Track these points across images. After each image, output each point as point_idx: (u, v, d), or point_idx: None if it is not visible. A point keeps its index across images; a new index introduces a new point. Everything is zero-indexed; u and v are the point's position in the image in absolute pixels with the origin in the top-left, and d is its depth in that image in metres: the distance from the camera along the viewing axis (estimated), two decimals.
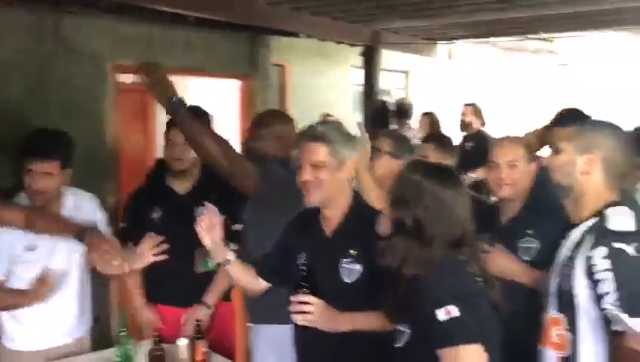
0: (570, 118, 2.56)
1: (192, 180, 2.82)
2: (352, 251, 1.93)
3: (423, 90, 7.53)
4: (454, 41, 5.95)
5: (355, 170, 2.06)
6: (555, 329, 1.71)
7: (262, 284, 2.16)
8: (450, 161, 2.89)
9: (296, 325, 1.95)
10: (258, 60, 5.27)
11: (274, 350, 2.45)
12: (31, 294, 2.37)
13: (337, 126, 2.06)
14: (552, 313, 1.73)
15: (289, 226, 2.16)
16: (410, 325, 1.60)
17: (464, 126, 5.44)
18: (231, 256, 2.07)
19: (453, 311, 1.47)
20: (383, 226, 1.66)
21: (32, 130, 2.47)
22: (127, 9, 3.99)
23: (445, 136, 3.17)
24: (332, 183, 1.96)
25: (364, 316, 1.89)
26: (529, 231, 2.13)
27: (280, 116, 2.91)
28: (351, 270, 1.93)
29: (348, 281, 1.93)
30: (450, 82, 7.74)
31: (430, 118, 5.62)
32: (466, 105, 5.52)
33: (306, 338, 1.98)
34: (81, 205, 2.61)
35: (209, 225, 2.02)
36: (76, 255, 2.56)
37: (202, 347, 2.42)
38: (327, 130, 1.99)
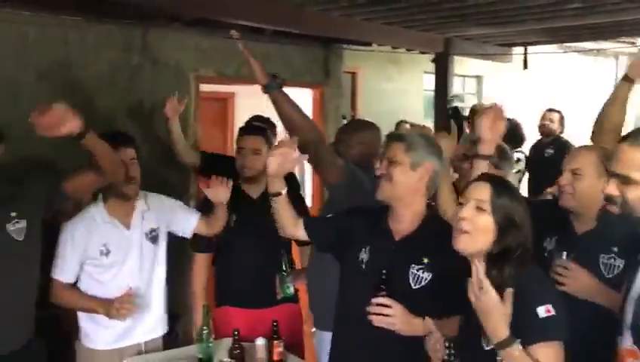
0: None
1: (264, 185, 2.94)
2: (424, 259, 2.00)
3: (497, 96, 7.43)
4: (529, 46, 5.84)
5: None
6: (631, 360, 1.64)
7: (296, 231, 2.25)
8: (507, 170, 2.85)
9: (353, 319, 2.02)
10: (330, 69, 5.39)
11: None
12: (112, 310, 2.48)
13: (424, 135, 2.18)
14: (628, 344, 1.64)
15: (357, 214, 2.21)
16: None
17: (546, 132, 5.32)
18: (284, 190, 2.17)
19: (552, 309, 1.56)
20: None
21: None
22: (209, 23, 4.21)
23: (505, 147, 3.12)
24: (403, 181, 2.03)
25: (442, 323, 1.93)
26: (614, 248, 2.03)
27: (366, 124, 2.99)
28: (420, 277, 2.00)
29: (414, 287, 2.00)
30: (526, 87, 7.60)
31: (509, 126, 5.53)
32: (550, 110, 5.39)
33: (371, 342, 2.01)
34: (162, 205, 2.78)
35: (282, 152, 2.08)
36: (151, 255, 2.72)
37: (279, 347, 2.54)
38: (409, 133, 2.14)
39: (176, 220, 2.81)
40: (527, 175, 5.52)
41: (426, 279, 1.99)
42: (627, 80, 2.51)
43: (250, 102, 6.24)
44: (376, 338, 1.97)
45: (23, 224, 2.34)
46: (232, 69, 4.65)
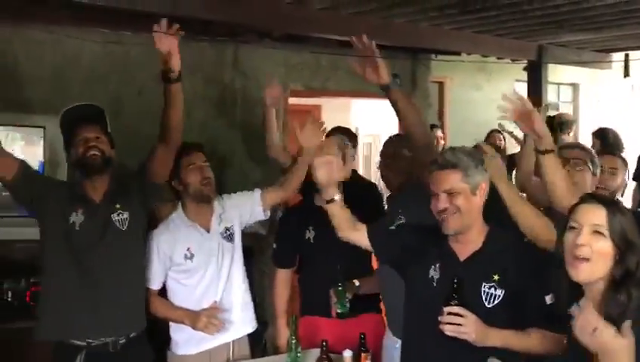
0: None
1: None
2: (495, 276, 1.96)
3: (595, 104, 7.09)
4: (628, 52, 5.52)
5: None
6: None
7: (352, 235, 2.26)
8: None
9: (425, 334, 1.99)
10: (417, 79, 5.34)
11: None
12: (199, 323, 2.59)
13: (468, 151, 2.08)
14: None
15: (421, 231, 2.19)
16: None
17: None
18: (338, 196, 2.20)
19: None
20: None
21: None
22: (297, 38, 4.30)
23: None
24: (469, 209, 1.99)
25: (519, 334, 1.90)
26: None
27: None
28: (492, 294, 1.96)
29: (488, 306, 1.95)
30: (627, 95, 7.20)
31: (601, 136, 5.24)
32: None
33: (443, 354, 1.98)
34: (229, 201, 2.86)
35: (328, 160, 2.17)
36: (230, 254, 2.78)
37: (366, 359, 2.53)
38: (457, 156, 2.02)
39: (246, 210, 2.87)
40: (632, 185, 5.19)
41: (499, 296, 1.95)
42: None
43: (335, 114, 6.33)
44: (449, 350, 1.94)
45: (126, 215, 2.55)
46: (319, 82, 4.72)
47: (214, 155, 4.24)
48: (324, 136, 2.76)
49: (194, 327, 2.63)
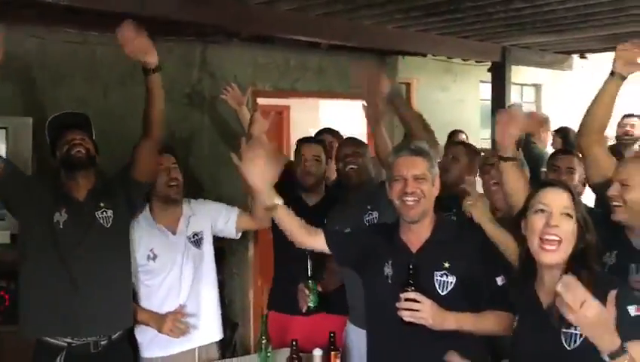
0: None
1: (319, 195, 3.05)
2: (445, 264, 2.03)
3: (557, 104, 7.25)
4: (590, 53, 5.68)
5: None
6: None
7: (309, 241, 2.26)
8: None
9: (388, 330, 2.05)
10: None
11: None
12: (164, 326, 2.62)
13: (427, 141, 2.21)
14: None
15: (374, 230, 2.30)
16: None
17: (628, 139, 5.02)
18: (279, 201, 2.18)
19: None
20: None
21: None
22: (266, 39, 4.31)
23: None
24: (430, 197, 2.08)
25: (474, 316, 1.97)
26: None
27: None
28: (445, 282, 2.03)
29: (443, 294, 2.02)
30: (588, 95, 7.39)
31: (563, 134, 5.38)
32: (628, 115, 5.08)
33: (406, 342, 2.03)
34: (200, 207, 2.86)
35: (250, 158, 2.11)
36: (197, 259, 2.78)
37: (336, 358, 2.56)
38: (424, 146, 2.12)
39: (220, 221, 2.88)
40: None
41: (451, 283, 2.03)
42: (615, 75, 2.28)
43: (304, 115, 6.35)
44: (411, 338, 1.99)
45: (110, 213, 2.60)
46: (288, 83, 4.74)
47: (181, 155, 4.24)
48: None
49: (159, 330, 2.63)
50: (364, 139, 5.87)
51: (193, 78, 4.37)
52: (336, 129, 4.04)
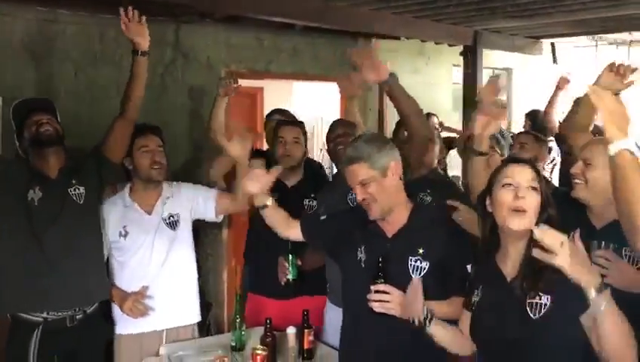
0: None
1: (299, 175, 3.09)
2: (420, 249, 2.09)
3: (527, 88, 7.36)
4: (559, 38, 5.78)
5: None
6: None
7: (290, 232, 2.40)
8: (546, 152, 3.20)
9: (360, 314, 2.10)
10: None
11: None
12: (124, 305, 2.69)
13: (368, 138, 2.19)
14: None
15: (350, 215, 2.33)
16: (554, 295, 1.68)
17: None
18: (270, 201, 2.33)
19: None
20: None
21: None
22: (240, 19, 4.29)
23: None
24: (385, 193, 2.10)
25: (442, 305, 2.04)
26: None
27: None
28: (418, 267, 2.09)
29: (416, 278, 2.06)
30: (556, 79, 7.52)
31: (532, 117, 5.51)
32: None
33: (373, 327, 2.09)
34: (179, 191, 2.87)
35: (257, 174, 2.31)
36: (170, 240, 2.80)
37: (309, 336, 2.61)
38: (358, 149, 2.11)
39: (199, 204, 2.88)
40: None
41: (424, 268, 2.08)
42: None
43: (277, 97, 6.34)
44: (383, 328, 2.05)
45: (82, 190, 2.67)
46: (262, 64, 4.73)
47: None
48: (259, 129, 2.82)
49: (121, 309, 2.71)
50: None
51: (166, 58, 4.34)
52: (286, 109, 4.07)
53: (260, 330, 2.71)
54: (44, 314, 2.56)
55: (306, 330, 2.61)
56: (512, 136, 4.36)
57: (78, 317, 2.62)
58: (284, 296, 2.95)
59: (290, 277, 2.71)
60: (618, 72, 2.28)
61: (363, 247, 2.17)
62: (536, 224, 1.67)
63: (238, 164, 2.68)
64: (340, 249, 2.28)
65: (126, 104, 2.70)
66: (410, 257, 2.09)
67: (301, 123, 3.26)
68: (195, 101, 4.41)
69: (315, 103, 7.11)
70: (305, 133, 3.17)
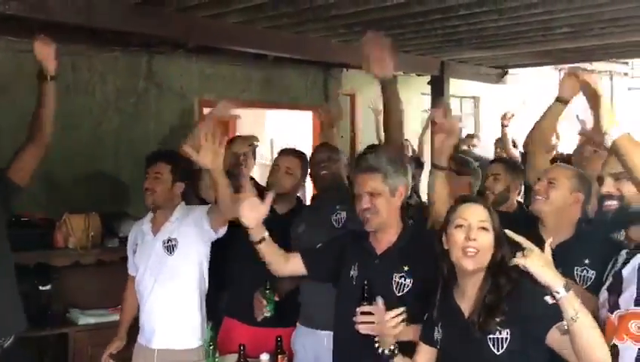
0: None
1: (290, 204, 3.12)
2: (405, 267, 2.16)
3: (495, 115, 7.56)
4: (521, 68, 5.98)
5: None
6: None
7: (287, 267, 2.34)
8: (518, 182, 3.21)
9: (344, 335, 2.16)
10: (329, 92, 5.53)
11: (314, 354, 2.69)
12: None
13: (390, 157, 2.25)
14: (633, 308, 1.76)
15: (344, 237, 2.40)
16: (513, 327, 1.74)
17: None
18: (266, 234, 2.25)
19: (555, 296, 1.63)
20: None
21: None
22: (212, 50, 4.37)
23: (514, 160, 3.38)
24: (387, 210, 2.18)
25: (415, 328, 2.06)
26: (586, 261, 2.11)
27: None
28: (402, 284, 2.15)
29: (399, 294, 2.15)
30: (521, 107, 7.73)
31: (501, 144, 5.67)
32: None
33: (359, 348, 2.12)
34: (187, 215, 2.84)
35: (251, 203, 2.20)
36: (165, 264, 2.78)
37: (283, 361, 2.63)
38: (379, 161, 2.20)
39: (199, 224, 2.83)
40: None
41: (407, 286, 2.15)
42: (560, 100, 2.53)
43: (251, 124, 6.40)
44: (372, 346, 2.07)
45: None
46: (234, 93, 4.80)
47: (127, 165, 4.24)
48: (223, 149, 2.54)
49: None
50: (309, 147, 6.03)
51: (139, 88, 4.38)
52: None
53: (233, 357, 2.71)
54: None
55: (279, 356, 2.62)
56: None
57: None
58: (258, 322, 2.95)
59: (267, 314, 2.73)
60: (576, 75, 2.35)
61: (356, 264, 2.24)
62: (486, 273, 1.79)
63: (211, 174, 2.49)
64: (339, 272, 2.32)
65: (34, 129, 2.61)
66: (395, 274, 2.16)
67: (302, 154, 3.21)
68: (168, 129, 4.45)
69: (288, 130, 7.20)
70: (305, 166, 3.14)
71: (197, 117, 4.59)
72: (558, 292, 1.58)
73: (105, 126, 4.24)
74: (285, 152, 3.22)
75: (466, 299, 1.87)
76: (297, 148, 3.38)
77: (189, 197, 2.98)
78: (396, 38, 4.43)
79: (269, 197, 2.28)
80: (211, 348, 2.69)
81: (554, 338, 1.69)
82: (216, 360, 2.70)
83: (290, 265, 2.34)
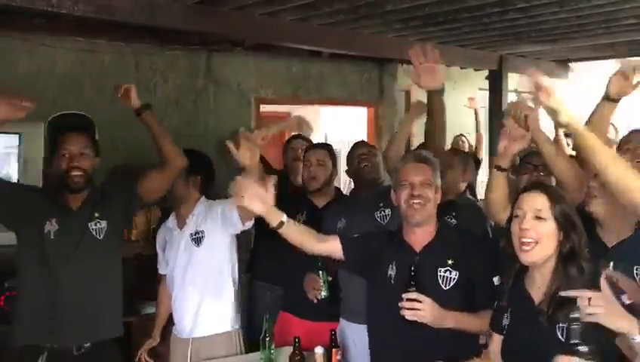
0: None
1: (329, 196, 3.16)
2: (449, 261, 2.15)
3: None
4: (582, 62, 5.79)
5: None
6: None
7: (322, 246, 2.31)
8: None
9: (390, 323, 2.14)
10: (384, 88, 5.51)
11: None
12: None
13: (440, 157, 2.30)
14: None
15: (379, 237, 2.38)
16: None
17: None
18: (284, 217, 2.21)
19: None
20: None
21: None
22: (268, 47, 4.43)
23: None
24: (434, 203, 2.19)
25: (471, 316, 2.09)
26: None
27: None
28: (448, 277, 2.14)
29: (445, 289, 2.13)
30: (585, 103, 7.49)
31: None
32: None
33: (405, 335, 2.11)
34: (214, 208, 2.86)
35: (254, 190, 2.15)
36: (194, 255, 2.82)
37: (337, 355, 2.63)
38: (430, 155, 2.24)
39: (227, 216, 2.84)
40: None
41: (454, 279, 2.13)
42: (609, 99, 2.31)
43: None
44: (412, 336, 2.08)
45: (104, 224, 2.55)
46: (290, 90, 4.86)
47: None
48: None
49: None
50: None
51: (199, 85, 4.49)
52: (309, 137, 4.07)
53: (288, 350, 2.74)
54: (48, 344, 2.46)
55: (334, 349, 2.63)
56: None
57: (86, 345, 2.50)
58: (312, 317, 3.00)
59: (323, 294, 2.73)
60: (626, 77, 2.23)
61: (394, 263, 2.23)
62: (556, 265, 1.73)
63: (248, 171, 2.42)
64: (371, 266, 2.32)
65: (160, 157, 2.59)
66: (440, 268, 2.15)
67: (329, 146, 3.32)
68: (227, 126, 4.54)
69: (342, 127, 7.21)
70: (333, 156, 3.23)
71: (253, 113, 4.67)
72: (634, 339, 1.52)
73: (165, 123, 4.33)
74: (312, 147, 3.33)
75: (536, 288, 1.83)
76: (311, 142, 3.51)
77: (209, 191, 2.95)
78: (453, 33, 4.39)
79: (270, 179, 2.23)
80: (267, 339, 2.73)
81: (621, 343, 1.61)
82: (272, 351, 2.74)
83: (326, 244, 2.33)
